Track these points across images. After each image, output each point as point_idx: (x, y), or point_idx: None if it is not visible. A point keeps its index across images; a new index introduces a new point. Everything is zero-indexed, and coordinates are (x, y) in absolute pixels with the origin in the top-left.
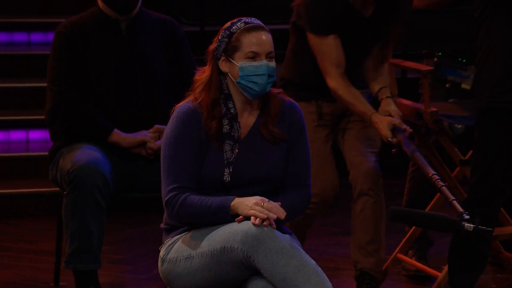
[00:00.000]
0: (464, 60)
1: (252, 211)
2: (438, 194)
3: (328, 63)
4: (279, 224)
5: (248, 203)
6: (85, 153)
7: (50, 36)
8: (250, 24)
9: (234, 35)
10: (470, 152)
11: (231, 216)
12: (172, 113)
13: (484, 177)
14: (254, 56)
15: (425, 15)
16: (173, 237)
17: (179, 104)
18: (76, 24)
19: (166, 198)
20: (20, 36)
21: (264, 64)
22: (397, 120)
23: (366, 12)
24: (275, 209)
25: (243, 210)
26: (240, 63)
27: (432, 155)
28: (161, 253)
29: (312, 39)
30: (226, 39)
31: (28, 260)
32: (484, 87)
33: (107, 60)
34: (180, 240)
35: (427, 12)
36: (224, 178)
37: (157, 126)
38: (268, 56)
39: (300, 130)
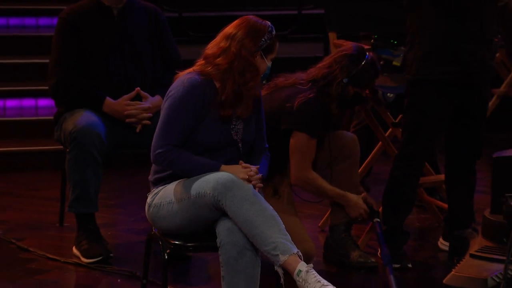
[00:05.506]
0: (395, 42)
1: (246, 176)
2: (377, 146)
3: (308, 161)
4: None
5: (237, 171)
6: (84, 117)
7: (55, 21)
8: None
9: (272, 39)
10: (400, 116)
11: None
12: (176, 79)
13: (411, 136)
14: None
15: (363, 3)
16: (158, 187)
17: (183, 73)
18: (75, 10)
19: (159, 150)
20: (29, 21)
21: None
22: (369, 198)
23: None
24: (256, 171)
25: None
26: (269, 63)
27: (370, 118)
28: (148, 200)
29: (301, 138)
30: (268, 41)
31: (37, 205)
32: (412, 62)
33: (102, 40)
34: (164, 189)
35: (365, 1)
36: (235, 138)
37: (141, 91)
38: None
39: (259, 105)
